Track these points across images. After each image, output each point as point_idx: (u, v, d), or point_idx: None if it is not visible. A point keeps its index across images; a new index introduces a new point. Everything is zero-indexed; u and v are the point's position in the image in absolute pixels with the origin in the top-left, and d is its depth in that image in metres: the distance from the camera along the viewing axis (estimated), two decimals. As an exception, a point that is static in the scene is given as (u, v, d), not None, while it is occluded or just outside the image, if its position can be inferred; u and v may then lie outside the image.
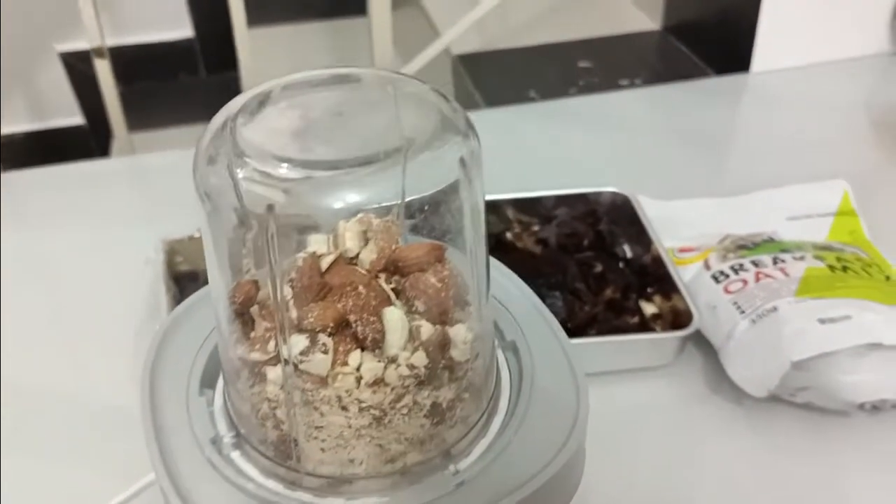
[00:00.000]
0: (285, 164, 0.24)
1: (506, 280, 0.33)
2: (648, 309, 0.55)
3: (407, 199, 0.25)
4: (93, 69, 1.04)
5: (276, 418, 0.26)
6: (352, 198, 0.24)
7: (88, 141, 1.33)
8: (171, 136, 1.28)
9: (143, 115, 1.27)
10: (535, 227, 0.61)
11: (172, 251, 0.56)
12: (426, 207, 0.25)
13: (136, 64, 1.36)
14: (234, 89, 1.41)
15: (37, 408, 0.52)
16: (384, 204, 0.25)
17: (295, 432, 0.25)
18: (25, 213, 0.70)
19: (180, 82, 1.38)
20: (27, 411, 0.52)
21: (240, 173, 0.24)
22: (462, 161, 0.24)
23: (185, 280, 0.56)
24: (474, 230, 0.26)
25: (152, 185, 0.74)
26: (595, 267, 0.57)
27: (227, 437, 0.27)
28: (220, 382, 0.30)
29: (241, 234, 0.26)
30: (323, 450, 0.26)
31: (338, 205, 0.24)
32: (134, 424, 0.50)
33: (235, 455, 0.27)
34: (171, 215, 0.65)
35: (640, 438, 0.49)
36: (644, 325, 0.54)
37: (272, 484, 0.26)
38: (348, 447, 0.25)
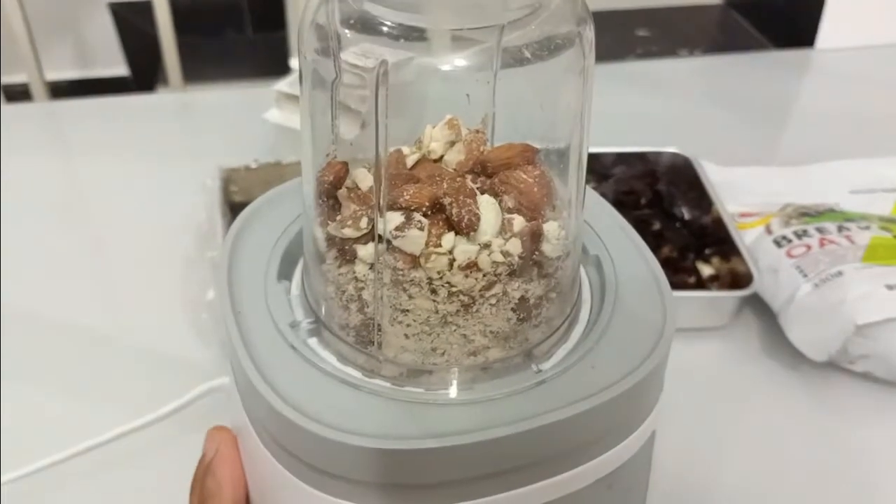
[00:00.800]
0: (391, 28, 0.23)
1: (590, 199, 0.32)
2: (706, 270, 0.54)
3: (514, 73, 0.24)
4: (140, 19, 1.04)
5: (362, 300, 0.25)
6: (459, 62, 0.23)
7: (132, 91, 1.34)
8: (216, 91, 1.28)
9: (188, 69, 1.27)
10: (592, 185, 0.60)
11: (228, 180, 0.56)
12: (534, 85, 0.24)
13: (182, 18, 1.36)
14: (280, 49, 1.41)
15: (80, 339, 0.52)
16: (484, 74, 0.24)
17: (380, 316, 0.25)
18: (72, 143, 0.70)
19: (227, 39, 1.37)
20: (70, 342, 0.52)
21: (347, 34, 0.23)
22: (579, 36, 0.23)
23: (239, 211, 0.56)
24: (579, 121, 0.26)
25: (203, 120, 0.74)
26: (653, 225, 0.56)
27: (305, 323, 0.27)
28: (297, 274, 0.29)
29: (333, 109, 0.26)
30: (407, 336, 0.25)
31: (445, 67, 0.23)
32: (183, 353, 0.50)
33: (313, 342, 0.27)
34: (220, 149, 0.65)
35: (693, 398, 0.48)
36: (701, 286, 0.53)
37: (351, 371, 0.26)
38: (433, 335, 0.25)
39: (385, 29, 0.23)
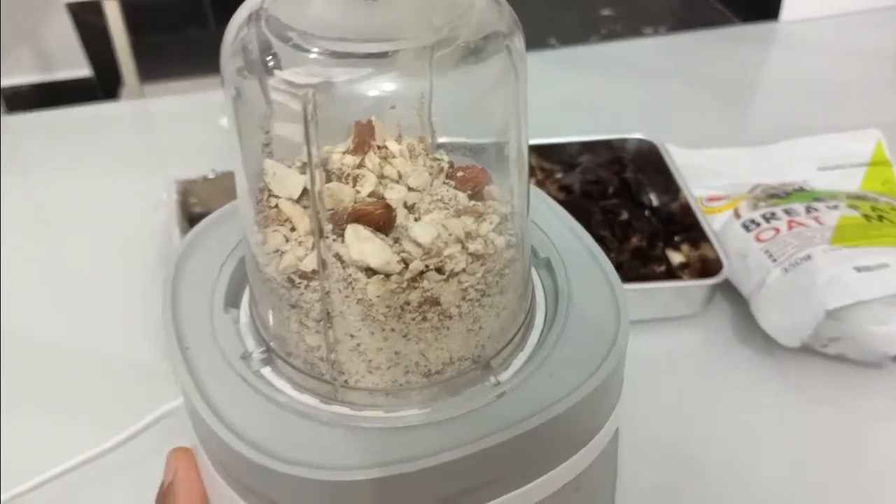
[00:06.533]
0: (317, 54, 0.22)
1: (539, 202, 0.32)
2: (676, 258, 0.54)
3: (447, 90, 0.23)
4: (100, 20, 1.02)
5: (312, 325, 0.24)
6: (388, 87, 0.22)
7: (96, 92, 1.31)
8: (179, 89, 1.26)
9: (151, 67, 1.25)
10: (559, 175, 0.60)
11: (186, 192, 0.55)
12: (467, 98, 0.23)
13: (144, 16, 1.34)
14: (243, 44, 1.39)
15: (43, 356, 0.51)
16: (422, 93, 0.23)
17: (333, 340, 0.24)
18: (29, 157, 0.69)
19: (189, 35, 1.35)
20: (33, 360, 0.51)
21: (269, 63, 0.22)
22: (508, 49, 0.23)
23: (199, 222, 0.55)
24: (516, 127, 0.25)
25: (162, 129, 0.72)
26: (620, 215, 0.55)
27: (257, 353, 0.26)
28: (245, 301, 0.28)
29: (266, 137, 0.25)
30: (362, 358, 0.24)
31: (373, 93, 0.22)
32: (146, 370, 0.49)
33: (266, 371, 0.26)
34: (181, 159, 0.63)
35: (668, 388, 0.48)
36: (671, 274, 0.52)
37: (307, 398, 0.25)
38: (388, 355, 0.24)
39: (312, 55, 0.22)
